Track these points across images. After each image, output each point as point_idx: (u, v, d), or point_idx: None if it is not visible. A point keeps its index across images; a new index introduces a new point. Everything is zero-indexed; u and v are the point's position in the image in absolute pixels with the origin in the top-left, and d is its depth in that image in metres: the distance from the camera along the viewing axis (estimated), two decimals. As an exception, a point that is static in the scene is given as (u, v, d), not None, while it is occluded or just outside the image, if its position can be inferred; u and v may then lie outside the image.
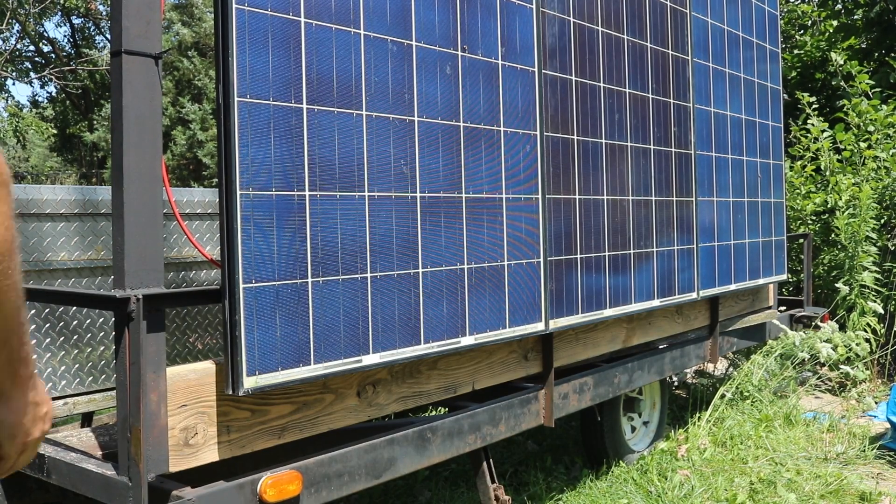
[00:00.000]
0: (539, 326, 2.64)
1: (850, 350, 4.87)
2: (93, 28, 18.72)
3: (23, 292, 0.98)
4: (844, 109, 6.61)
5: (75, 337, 2.63)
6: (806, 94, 6.84)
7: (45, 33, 18.69)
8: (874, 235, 5.73)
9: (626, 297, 3.11)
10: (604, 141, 2.99)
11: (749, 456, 3.82)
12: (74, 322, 2.63)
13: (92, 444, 2.16)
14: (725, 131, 3.92)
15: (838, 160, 6.42)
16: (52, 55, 18.09)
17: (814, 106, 6.69)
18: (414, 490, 3.47)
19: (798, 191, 6.48)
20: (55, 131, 18.13)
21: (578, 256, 2.84)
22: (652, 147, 3.30)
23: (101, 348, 2.68)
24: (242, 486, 1.85)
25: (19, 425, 1.02)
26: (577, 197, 2.84)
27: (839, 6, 9.18)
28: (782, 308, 5.04)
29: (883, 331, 5.51)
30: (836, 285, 5.57)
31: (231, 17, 1.77)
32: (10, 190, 0.89)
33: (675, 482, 3.44)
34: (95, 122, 15.60)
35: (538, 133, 2.65)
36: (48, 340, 2.55)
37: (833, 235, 5.93)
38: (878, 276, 5.62)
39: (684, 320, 3.78)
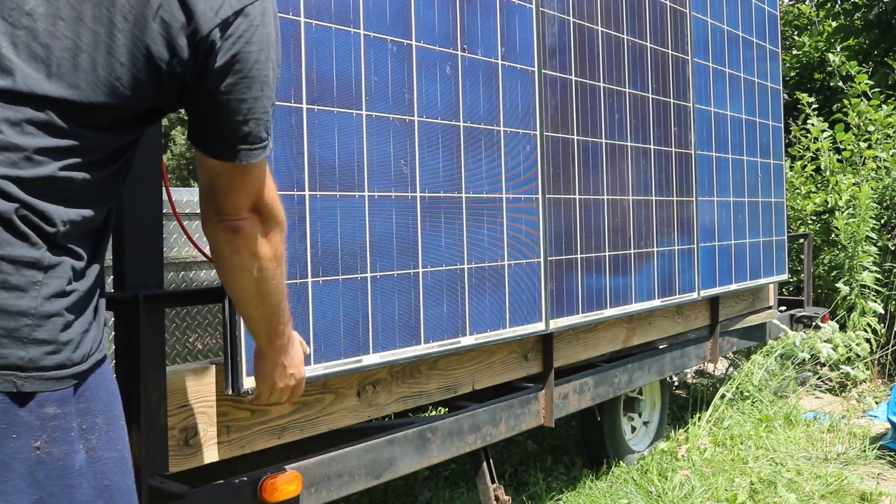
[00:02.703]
0: (539, 326, 2.64)
1: (851, 350, 4.87)
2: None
3: (285, 288, 1.35)
4: (844, 110, 6.62)
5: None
6: (805, 95, 6.85)
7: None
8: (874, 235, 5.73)
9: (627, 296, 3.11)
10: (604, 141, 2.99)
11: (749, 456, 3.82)
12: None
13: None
14: (726, 131, 3.92)
15: (838, 160, 6.42)
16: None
17: (813, 106, 6.69)
18: (414, 490, 3.46)
19: (798, 191, 6.48)
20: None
21: (579, 256, 2.84)
22: (652, 147, 3.30)
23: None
24: (242, 486, 1.85)
25: (269, 375, 1.49)
26: (577, 197, 2.84)
27: (837, 7, 9.18)
28: (782, 308, 5.03)
29: (883, 331, 5.51)
30: (837, 285, 5.57)
31: (231, 16, 1.76)
32: (285, 233, 1.30)
33: (676, 482, 3.43)
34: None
35: (538, 133, 2.65)
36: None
37: (833, 235, 5.93)
38: (879, 276, 5.62)
39: (684, 320, 3.78)
